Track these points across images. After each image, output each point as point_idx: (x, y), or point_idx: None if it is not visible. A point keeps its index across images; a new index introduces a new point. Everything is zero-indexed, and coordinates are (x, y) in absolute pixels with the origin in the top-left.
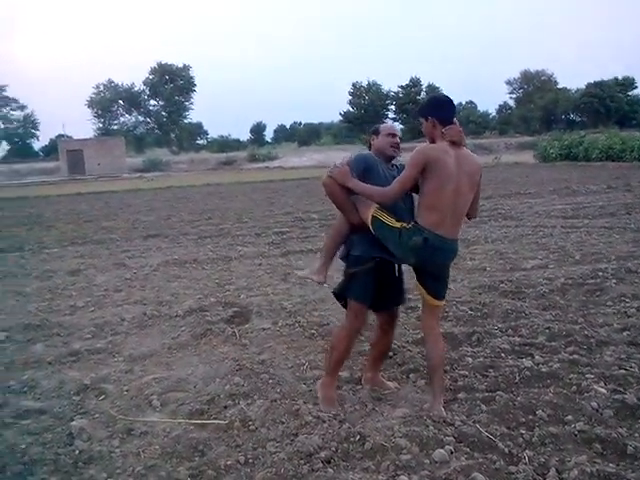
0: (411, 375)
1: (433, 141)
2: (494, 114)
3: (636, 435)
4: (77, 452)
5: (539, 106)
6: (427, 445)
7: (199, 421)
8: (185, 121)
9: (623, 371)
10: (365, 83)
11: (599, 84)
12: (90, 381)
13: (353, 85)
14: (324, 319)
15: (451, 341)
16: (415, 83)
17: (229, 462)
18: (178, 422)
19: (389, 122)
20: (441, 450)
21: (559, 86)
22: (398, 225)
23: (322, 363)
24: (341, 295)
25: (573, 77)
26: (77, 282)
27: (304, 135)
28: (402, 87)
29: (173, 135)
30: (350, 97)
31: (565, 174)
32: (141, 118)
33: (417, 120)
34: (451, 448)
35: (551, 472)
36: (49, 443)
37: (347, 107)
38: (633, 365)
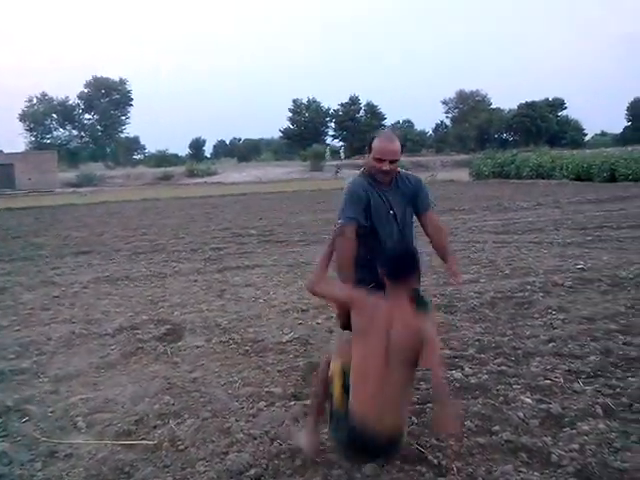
0: None
1: None
2: (431, 133)
3: (560, 444)
4: None
5: (474, 125)
6: None
7: (126, 442)
8: (121, 135)
9: (548, 381)
10: (305, 100)
11: (531, 105)
12: (13, 402)
13: (293, 102)
14: (259, 335)
15: None
16: (354, 101)
17: None
18: (104, 443)
19: (386, 134)
20: (372, 464)
21: (493, 106)
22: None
23: (255, 380)
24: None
25: (506, 98)
26: (2, 300)
27: (244, 151)
28: (342, 105)
29: (109, 149)
30: (290, 114)
31: (497, 191)
32: (75, 132)
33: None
34: (382, 461)
35: None
36: None
37: (287, 124)
38: (558, 375)
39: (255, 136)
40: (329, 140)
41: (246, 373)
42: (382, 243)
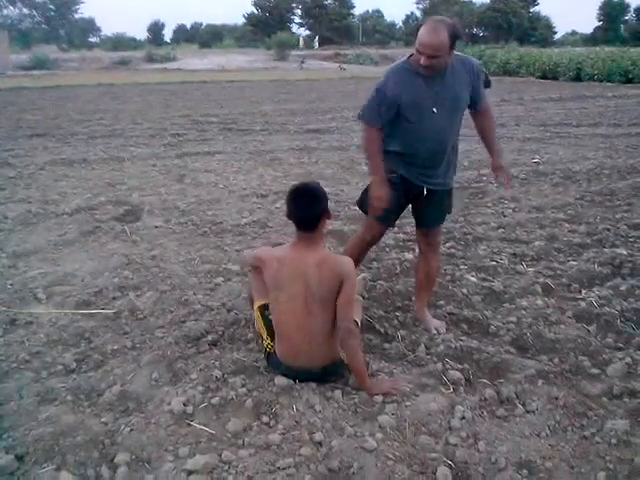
0: None
1: None
2: (400, 25)
3: (499, 317)
4: None
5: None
6: None
7: (86, 311)
8: (75, 16)
9: (494, 263)
10: None
11: None
12: None
13: None
14: (217, 218)
15: (339, 238)
16: None
17: (116, 347)
18: (64, 312)
19: (432, 23)
20: None
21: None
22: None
23: (214, 258)
24: (360, 206)
25: None
26: None
27: (205, 37)
28: None
29: (62, 31)
30: None
31: None
32: (26, 11)
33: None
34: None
35: (420, 347)
36: None
37: (251, 9)
38: (503, 258)
39: (218, 21)
40: (295, 28)
41: (204, 252)
42: (420, 139)
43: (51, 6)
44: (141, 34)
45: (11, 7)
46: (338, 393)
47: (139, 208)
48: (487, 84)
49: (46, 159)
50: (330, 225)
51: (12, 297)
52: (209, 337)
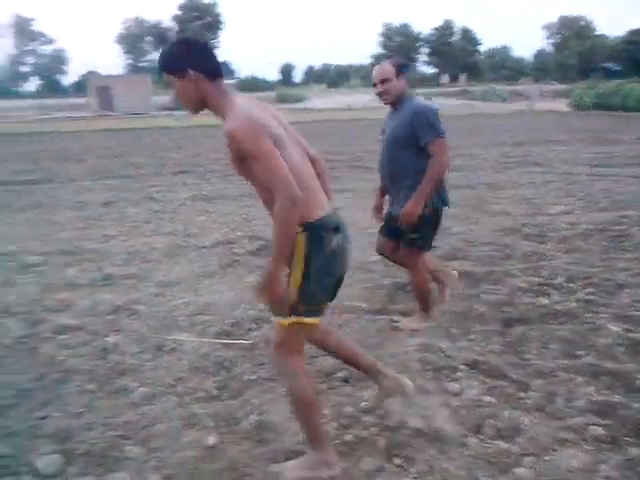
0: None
1: (203, 102)
2: (530, 60)
3: None
4: (111, 364)
5: (576, 53)
6: (440, 371)
7: (225, 341)
8: None
9: (638, 312)
10: (397, 24)
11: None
12: (122, 302)
13: (384, 26)
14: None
15: (469, 280)
16: (448, 25)
17: (253, 377)
18: (206, 341)
19: (383, 64)
20: (453, 375)
21: (597, 33)
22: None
23: (340, 294)
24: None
25: (612, 24)
26: (109, 213)
27: (333, 77)
28: (435, 29)
29: None
30: (381, 38)
31: (598, 123)
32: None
33: (169, 76)
34: (463, 375)
35: (558, 400)
36: (85, 356)
37: (377, 49)
38: None
39: (345, 62)
40: (421, 66)
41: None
42: (379, 165)
43: None
44: (273, 76)
45: (155, 52)
46: (472, 440)
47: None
48: (425, 128)
49: (187, 195)
50: (459, 265)
51: (159, 324)
52: (340, 374)
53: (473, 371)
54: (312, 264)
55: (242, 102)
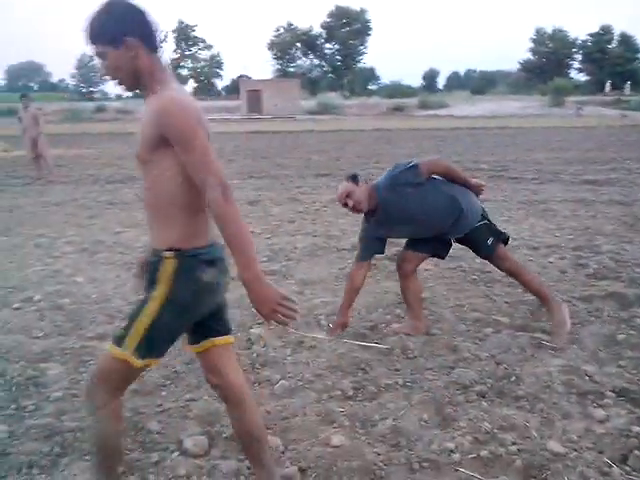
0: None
1: (136, 77)
2: None
3: None
4: (255, 355)
5: None
6: (585, 396)
7: (363, 343)
8: (358, 66)
9: None
10: (550, 29)
11: None
12: None
13: (536, 31)
14: (487, 266)
15: (620, 301)
16: (606, 31)
17: (389, 382)
18: (344, 341)
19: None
20: (599, 401)
21: None
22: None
23: (482, 307)
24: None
25: None
26: (255, 211)
27: (478, 84)
28: (591, 35)
29: (346, 79)
30: (532, 44)
31: None
32: (316, 61)
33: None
34: (610, 401)
35: None
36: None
37: (527, 55)
38: None
39: (491, 68)
40: (573, 74)
41: (473, 300)
42: None
43: (338, 57)
44: (416, 81)
45: (304, 58)
46: (616, 471)
47: None
48: None
49: (329, 197)
50: (609, 287)
51: (300, 321)
52: (477, 387)
53: (621, 399)
54: (175, 296)
55: (180, 87)
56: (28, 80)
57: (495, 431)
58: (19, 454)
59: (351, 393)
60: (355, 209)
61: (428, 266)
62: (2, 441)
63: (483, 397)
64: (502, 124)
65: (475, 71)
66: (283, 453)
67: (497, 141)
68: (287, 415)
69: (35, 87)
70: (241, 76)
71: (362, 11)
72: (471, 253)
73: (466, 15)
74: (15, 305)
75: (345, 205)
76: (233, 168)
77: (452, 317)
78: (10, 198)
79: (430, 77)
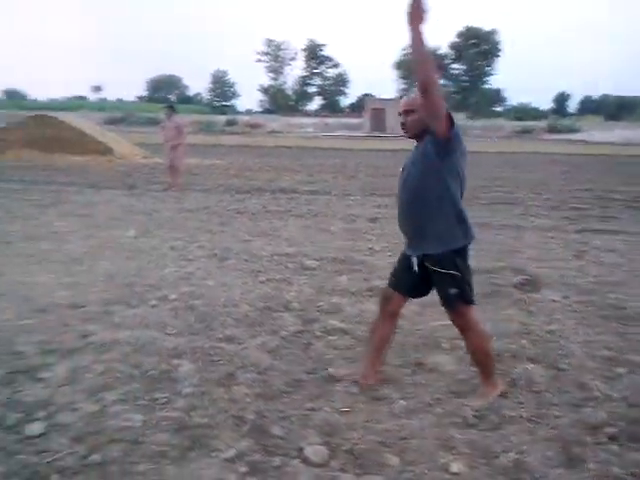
0: None
1: None
2: None
3: None
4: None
5: None
6: None
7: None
8: (486, 86)
9: None
10: None
11: None
12: None
13: None
14: (620, 302)
15: None
16: None
17: (512, 414)
18: (467, 367)
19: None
20: None
21: None
22: None
23: (614, 345)
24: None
25: None
26: (375, 228)
27: (613, 109)
28: None
29: (473, 100)
30: None
31: None
32: (443, 81)
33: None
34: None
35: None
36: (349, 359)
37: None
38: None
39: (630, 93)
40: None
41: (605, 336)
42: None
43: (465, 77)
44: (545, 104)
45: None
46: None
47: (537, 279)
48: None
49: None
50: None
51: (418, 341)
52: (607, 429)
53: None
54: None
55: None
56: (167, 92)
57: (626, 477)
58: (151, 444)
59: (472, 421)
60: (403, 125)
61: (556, 298)
62: (137, 430)
63: (614, 440)
64: (638, 152)
65: (609, 96)
66: (400, 473)
67: (633, 170)
68: (405, 435)
69: (173, 99)
70: (366, 94)
71: (492, 32)
72: (605, 287)
73: (600, 38)
74: (152, 302)
75: (403, 114)
76: (355, 184)
77: (581, 353)
78: (150, 202)
79: (561, 100)
